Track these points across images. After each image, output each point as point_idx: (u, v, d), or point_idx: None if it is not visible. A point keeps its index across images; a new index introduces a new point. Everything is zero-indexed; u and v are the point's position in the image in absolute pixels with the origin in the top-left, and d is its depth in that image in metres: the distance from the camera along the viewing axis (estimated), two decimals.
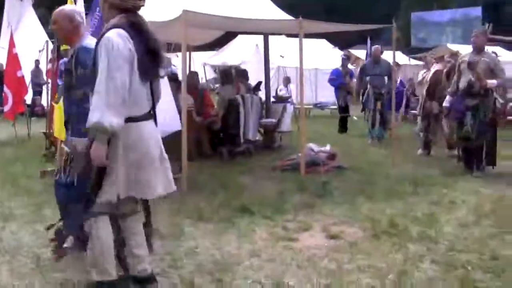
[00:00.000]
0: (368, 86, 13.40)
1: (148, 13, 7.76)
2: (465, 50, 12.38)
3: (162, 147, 4.31)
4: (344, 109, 16.29)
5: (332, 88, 18.55)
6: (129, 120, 3.95)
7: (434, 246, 5.58)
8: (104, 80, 3.80)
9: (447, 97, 9.74)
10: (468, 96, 9.26)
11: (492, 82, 9.16)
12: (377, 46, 14.02)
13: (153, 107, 4.21)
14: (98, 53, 3.90)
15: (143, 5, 4.16)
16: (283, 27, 11.16)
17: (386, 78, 13.31)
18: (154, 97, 4.21)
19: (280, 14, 11.47)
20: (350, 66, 26.53)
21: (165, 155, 4.32)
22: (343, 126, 16.01)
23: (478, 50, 9.43)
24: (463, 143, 9.52)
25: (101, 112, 3.76)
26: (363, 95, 13.66)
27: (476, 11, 40.94)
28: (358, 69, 14.11)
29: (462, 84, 9.32)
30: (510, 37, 22.16)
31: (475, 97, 9.21)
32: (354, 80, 16.36)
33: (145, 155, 4.08)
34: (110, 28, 3.96)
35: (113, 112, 3.78)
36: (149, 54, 4.05)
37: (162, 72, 4.25)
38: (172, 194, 4.47)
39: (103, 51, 3.85)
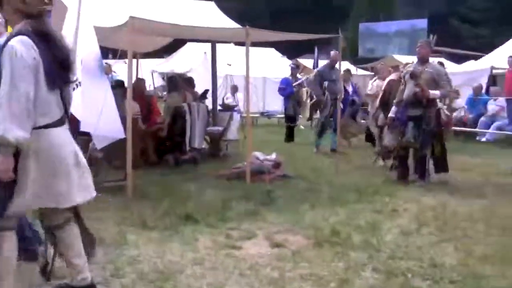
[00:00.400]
0: (326, 92, 13.32)
1: (95, 19, 7.76)
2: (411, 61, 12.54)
3: (79, 153, 4.16)
4: (292, 119, 16.29)
5: (280, 97, 18.60)
6: (39, 127, 3.83)
7: (376, 254, 5.64)
8: (7, 91, 3.66)
9: (393, 108, 9.79)
10: (411, 107, 9.33)
11: (435, 93, 9.24)
12: (335, 51, 14.01)
13: (66, 113, 4.08)
14: (2, 62, 3.75)
15: (49, 10, 4.02)
16: (230, 35, 11.19)
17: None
18: (66, 103, 4.08)
19: (228, 23, 11.51)
20: (298, 75, 26.72)
21: (83, 162, 4.18)
22: (290, 135, 16.04)
23: (422, 60, 9.52)
24: (402, 152, 9.56)
25: (4, 125, 3.62)
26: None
27: (422, 23, 41.67)
28: (312, 76, 13.96)
29: (406, 94, 9.39)
30: (453, 48, 22.59)
31: (419, 108, 9.28)
32: (304, 89, 16.45)
33: (58, 162, 3.94)
34: (15, 35, 3.81)
35: (18, 124, 3.64)
36: (56, 62, 3.91)
37: (72, 78, 4.16)
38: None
39: (7, 59, 3.71)
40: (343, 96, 13.23)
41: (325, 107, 13.36)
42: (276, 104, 25.90)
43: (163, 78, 25.81)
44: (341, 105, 13.24)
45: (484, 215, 7.32)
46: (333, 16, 50.55)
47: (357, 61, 33.85)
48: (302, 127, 19.43)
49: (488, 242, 6.13)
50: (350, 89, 14.40)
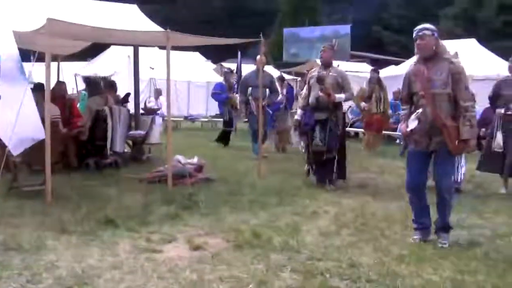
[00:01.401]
0: (250, 98, 13.21)
1: (13, 22, 7.60)
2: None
3: None
4: (228, 123, 16.12)
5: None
6: None
7: (295, 255, 5.71)
8: None
9: (298, 111, 9.80)
10: (317, 110, 9.39)
11: (340, 97, 9.36)
12: (260, 56, 13.98)
13: None
14: None
15: None
16: (150, 39, 11.10)
17: (267, 90, 13.21)
18: None
19: (151, 26, 11.43)
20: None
21: None
22: (224, 139, 15.91)
23: (326, 65, 9.60)
24: (317, 157, 9.55)
25: None
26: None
27: (345, 29, 42.35)
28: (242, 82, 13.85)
29: (312, 98, 9.41)
30: (374, 54, 23.09)
31: (325, 111, 9.35)
32: (237, 94, 16.50)
33: None
34: None
35: None
36: None
37: None
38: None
39: None
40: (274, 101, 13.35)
41: (251, 113, 13.23)
42: (200, 108, 25.96)
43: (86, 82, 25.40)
44: (270, 111, 13.38)
45: (402, 216, 7.49)
46: (259, 22, 50.94)
47: (282, 66, 34.22)
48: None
49: (405, 242, 6.30)
50: (281, 96, 14.42)
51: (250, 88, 13.24)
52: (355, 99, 14.90)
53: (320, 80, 9.34)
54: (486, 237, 6.66)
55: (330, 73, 9.45)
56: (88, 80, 16.00)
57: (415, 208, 6.48)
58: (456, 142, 6.11)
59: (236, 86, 17.03)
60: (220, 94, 16.08)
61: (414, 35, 6.22)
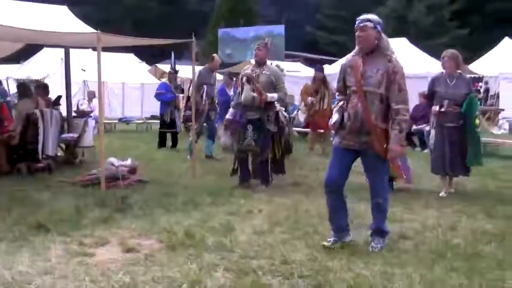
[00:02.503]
0: (204, 96, 12.85)
1: None
2: None
3: None
4: (170, 125, 15.61)
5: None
6: None
7: (229, 254, 5.73)
8: None
9: (230, 110, 9.67)
10: (249, 109, 9.25)
11: (272, 96, 9.23)
12: (215, 55, 13.83)
13: None
14: None
15: None
16: (81, 40, 10.97)
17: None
18: None
19: (83, 28, 11.29)
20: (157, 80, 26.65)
21: None
22: (162, 141, 15.63)
23: (260, 63, 9.47)
24: (242, 155, 9.55)
25: None
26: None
27: (279, 29, 42.51)
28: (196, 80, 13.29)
29: (244, 97, 9.27)
30: (310, 54, 23.31)
31: (257, 111, 9.24)
32: (181, 95, 16.37)
33: None
34: None
35: None
36: None
37: None
38: None
39: None
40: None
41: (202, 113, 12.78)
42: (135, 110, 25.78)
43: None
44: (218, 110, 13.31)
45: None
46: (196, 22, 50.85)
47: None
48: None
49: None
50: (231, 93, 14.31)
51: (205, 86, 12.89)
52: (302, 96, 15.05)
53: (249, 79, 9.25)
54: (416, 230, 6.82)
55: (264, 72, 9.32)
56: (18, 83, 15.69)
57: (330, 208, 6.18)
58: (384, 146, 5.81)
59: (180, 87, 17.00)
60: (165, 94, 15.74)
61: (355, 25, 5.84)
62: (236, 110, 9.47)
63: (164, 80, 17.51)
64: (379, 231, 6.09)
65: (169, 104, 15.67)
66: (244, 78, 9.34)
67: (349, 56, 6.13)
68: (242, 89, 9.37)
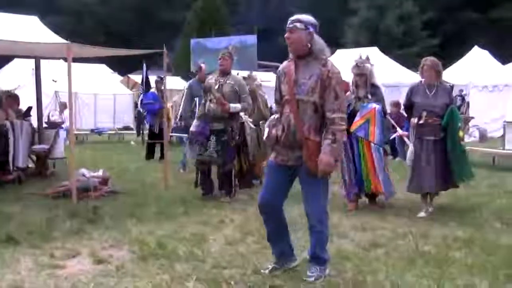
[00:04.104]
0: (196, 109, 12.29)
1: None
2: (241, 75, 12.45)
3: None
4: (159, 136, 14.90)
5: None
6: None
7: (200, 264, 5.72)
8: None
9: (194, 121, 9.51)
10: (213, 120, 9.12)
11: (235, 106, 9.05)
12: (202, 64, 13.69)
13: None
14: None
15: None
16: (52, 51, 10.89)
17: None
18: None
19: (54, 39, 11.20)
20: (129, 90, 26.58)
21: None
22: (150, 152, 15.38)
23: (224, 72, 9.21)
24: (203, 167, 9.39)
25: None
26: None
27: (252, 39, 42.53)
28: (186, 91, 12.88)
29: (207, 108, 9.17)
30: (277, 63, 23.38)
31: (220, 122, 9.10)
32: (170, 104, 16.21)
33: None
34: None
35: None
36: None
37: None
38: None
39: None
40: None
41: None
42: (107, 120, 25.66)
43: None
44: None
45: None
46: (167, 33, 50.88)
47: (189, 77, 34.15)
48: (132, 143, 19.39)
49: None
50: None
51: (197, 99, 12.56)
52: None
53: (206, 90, 9.16)
54: (387, 238, 6.87)
55: (228, 82, 9.13)
56: None
57: (268, 231, 5.59)
58: (317, 160, 5.10)
59: (141, 98, 16.83)
60: (153, 104, 15.52)
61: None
62: (200, 122, 9.31)
63: (152, 90, 17.25)
64: (315, 258, 5.36)
65: (157, 114, 15.28)
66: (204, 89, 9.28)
67: (285, 62, 5.42)
68: (206, 99, 9.26)
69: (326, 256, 5.40)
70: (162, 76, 16.16)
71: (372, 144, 8.42)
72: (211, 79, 9.39)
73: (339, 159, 5.39)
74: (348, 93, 8.53)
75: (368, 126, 8.41)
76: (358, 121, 8.42)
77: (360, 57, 8.67)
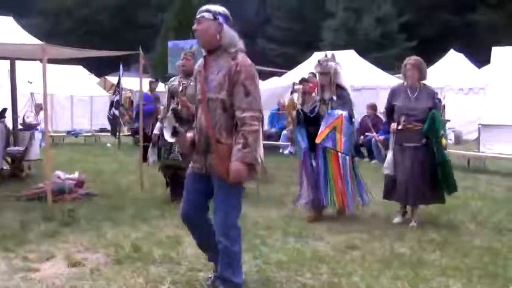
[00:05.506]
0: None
1: None
2: None
3: None
4: (150, 137, 15.03)
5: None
6: None
7: (176, 267, 5.71)
8: None
9: (157, 124, 9.34)
10: (179, 123, 8.87)
11: None
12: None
13: None
14: None
15: None
16: (26, 52, 10.79)
17: None
18: None
19: (29, 39, 11.12)
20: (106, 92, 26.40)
21: None
22: (146, 155, 15.12)
23: (187, 74, 8.64)
24: (169, 171, 9.13)
25: None
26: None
27: None
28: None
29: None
30: (261, 66, 23.31)
31: (186, 124, 8.97)
32: (162, 106, 16.01)
33: None
34: None
35: None
36: None
37: None
38: None
39: None
40: None
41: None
42: (84, 122, 25.48)
43: None
44: None
45: (283, 223, 7.66)
46: (144, 35, 50.73)
47: (167, 78, 34.03)
48: (109, 145, 19.28)
49: (284, 249, 6.43)
50: None
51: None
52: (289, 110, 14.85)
53: (172, 94, 8.91)
54: (363, 240, 6.91)
55: (192, 83, 8.98)
56: None
57: (196, 241, 5.18)
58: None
59: (117, 99, 16.71)
60: (146, 105, 15.28)
61: None
62: (162, 124, 9.07)
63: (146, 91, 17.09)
64: (223, 281, 4.77)
65: (150, 115, 14.94)
66: (168, 93, 9.07)
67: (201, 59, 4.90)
68: (169, 103, 8.94)
69: (235, 279, 4.71)
70: (157, 78, 16.13)
71: (339, 154, 7.81)
72: (174, 81, 9.13)
73: (255, 163, 4.57)
74: (313, 94, 8.30)
75: (334, 135, 7.78)
76: (324, 130, 7.80)
77: (326, 55, 8.33)
